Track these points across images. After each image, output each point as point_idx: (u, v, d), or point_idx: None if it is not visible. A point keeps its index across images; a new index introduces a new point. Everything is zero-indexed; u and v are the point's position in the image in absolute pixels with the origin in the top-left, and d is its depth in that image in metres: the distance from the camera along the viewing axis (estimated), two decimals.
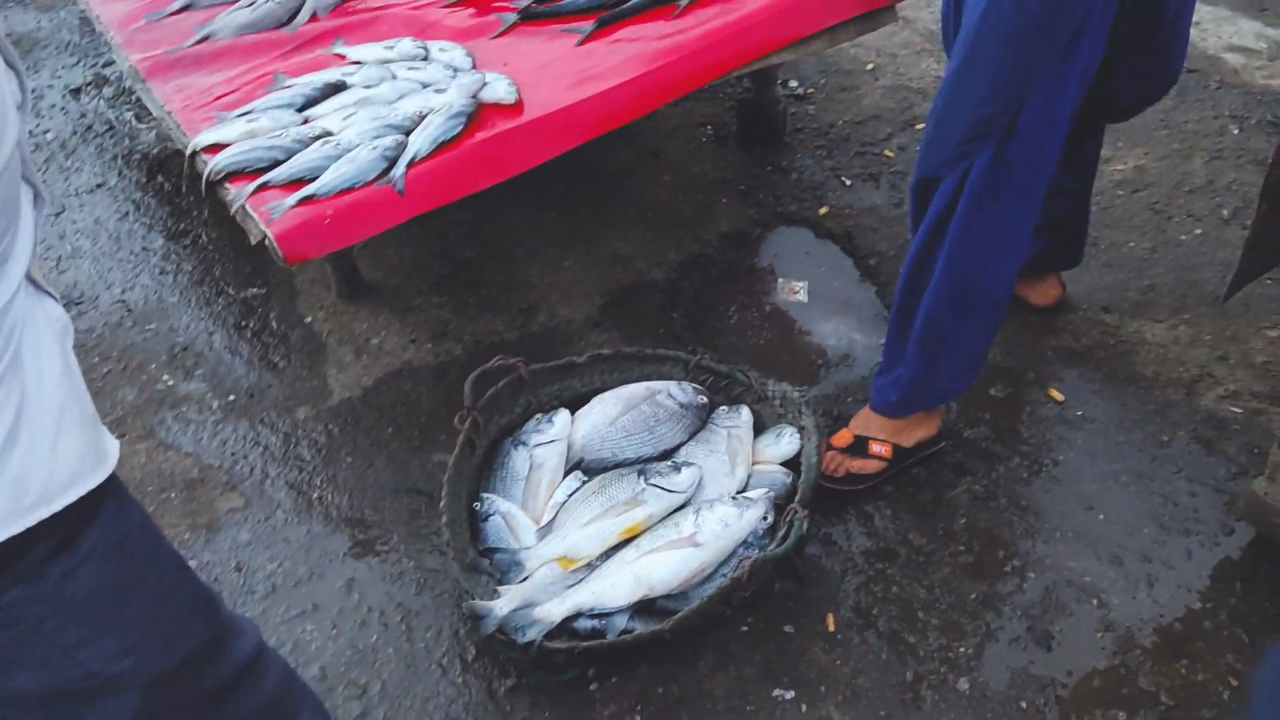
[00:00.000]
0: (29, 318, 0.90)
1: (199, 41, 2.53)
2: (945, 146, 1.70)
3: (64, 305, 0.97)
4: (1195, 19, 3.09)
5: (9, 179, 0.84)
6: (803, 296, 2.46)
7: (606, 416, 2.01)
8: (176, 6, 2.64)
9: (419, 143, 2.11)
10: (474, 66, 2.34)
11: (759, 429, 2.03)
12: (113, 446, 0.97)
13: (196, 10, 2.64)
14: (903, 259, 1.87)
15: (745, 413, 2.02)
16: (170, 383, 2.33)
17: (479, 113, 2.19)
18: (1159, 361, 2.21)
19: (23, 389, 0.87)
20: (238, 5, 2.60)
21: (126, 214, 2.75)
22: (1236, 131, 2.79)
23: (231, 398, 2.29)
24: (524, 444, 1.97)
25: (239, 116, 2.26)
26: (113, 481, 0.95)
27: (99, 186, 2.83)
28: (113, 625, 0.94)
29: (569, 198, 2.74)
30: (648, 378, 2.10)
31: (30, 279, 0.93)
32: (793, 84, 3.10)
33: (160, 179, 2.84)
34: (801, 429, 1.96)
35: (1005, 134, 1.64)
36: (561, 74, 2.29)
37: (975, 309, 1.83)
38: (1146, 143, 2.78)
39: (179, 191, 2.78)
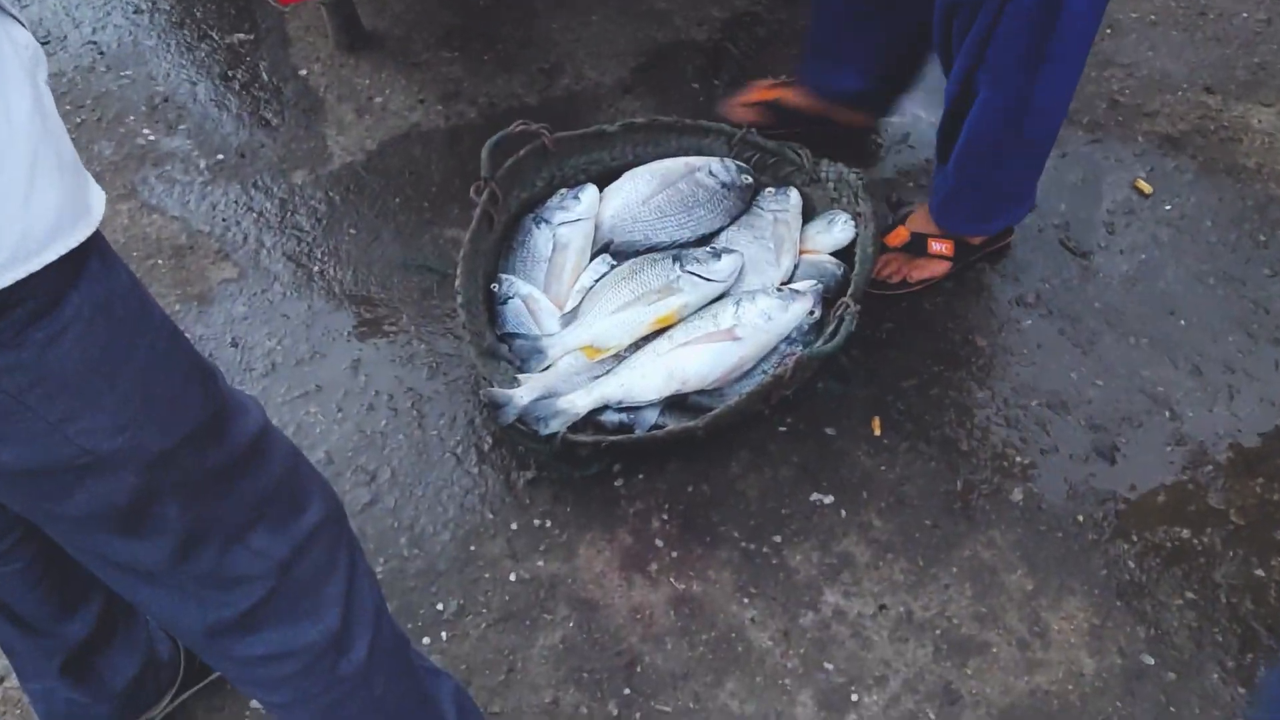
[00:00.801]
0: None
1: None
2: None
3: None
4: None
5: None
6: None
7: (639, 194, 1.94)
8: None
9: None
10: None
11: (809, 214, 1.96)
12: (98, 198, 0.92)
13: None
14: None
15: (794, 195, 1.95)
16: (151, 137, 2.25)
17: None
18: (1263, 151, 2.11)
19: None
20: None
21: None
22: None
23: (220, 157, 2.22)
24: (547, 221, 1.91)
25: None
26: (97, 238, 0.90)
27: None
28: (103, 398, 0.92)
29: None
30: (686, 152, 2.02)
31: None
32: None
33: None
34: (857, 215, 1.88)
35: None
36: None
37: (1029, 144, 1.75)
38: None
39: None
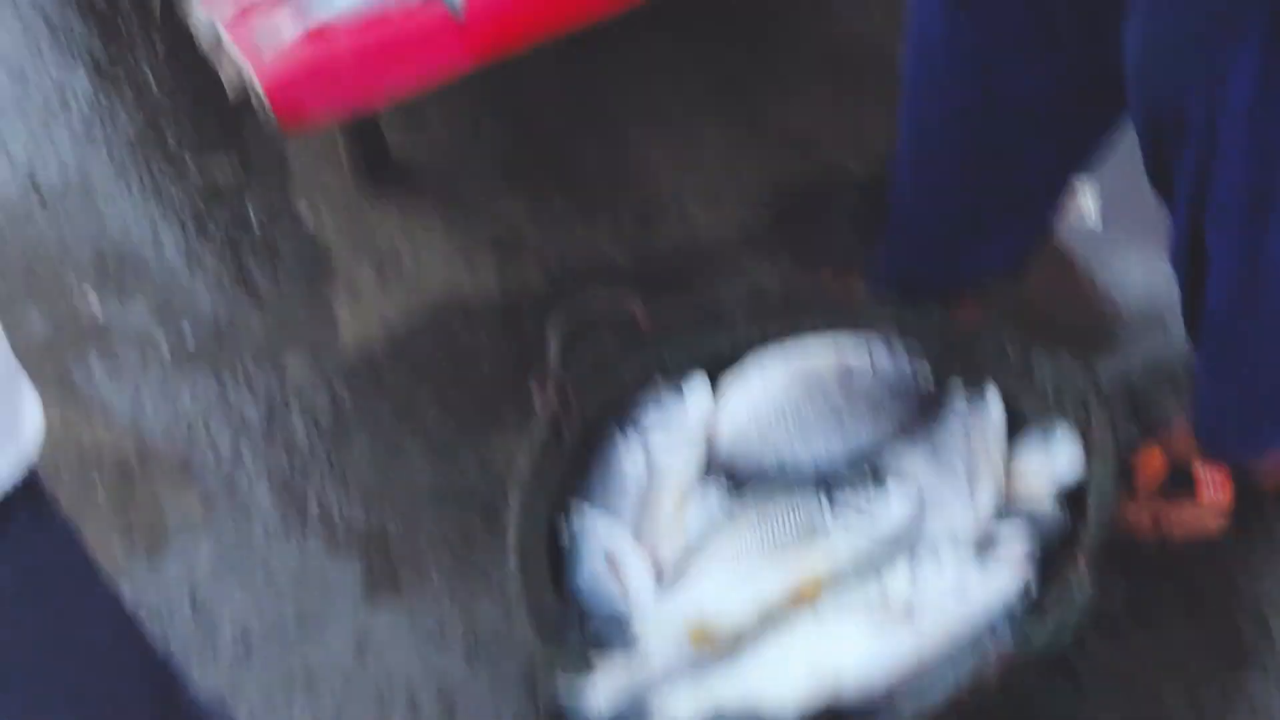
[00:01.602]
0: None
1: None
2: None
3: None
4: None
5: None
6: (1090, 211, 2.35)
7: (769, 395, 1.95)
8: None
9: None
10: None
11: (1016, 426, 1.93)
12: (33, 417, 0.94)
13: None
14: None
15: (994, 401, 1.92)
16: (98, 308, 2.35)
17: None
18: None
19: None
20: None
21: (29, 30, 2.79)
22: None
23: (188, 334, 2.30)
24: (637, 427, 1.93)
25: None
26: (32, 479, 0.92)
27: None
28: (16, 700, 0.92)
29: (718, 37, 2.68)
30: (837, 335, 2.02)
31: None
32: None
33: None
34: (1088, 432, 1.85)
35: None
36: None
37: None
38: None
39: (115, 6, 2.79)
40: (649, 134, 2.54)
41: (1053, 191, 2.03)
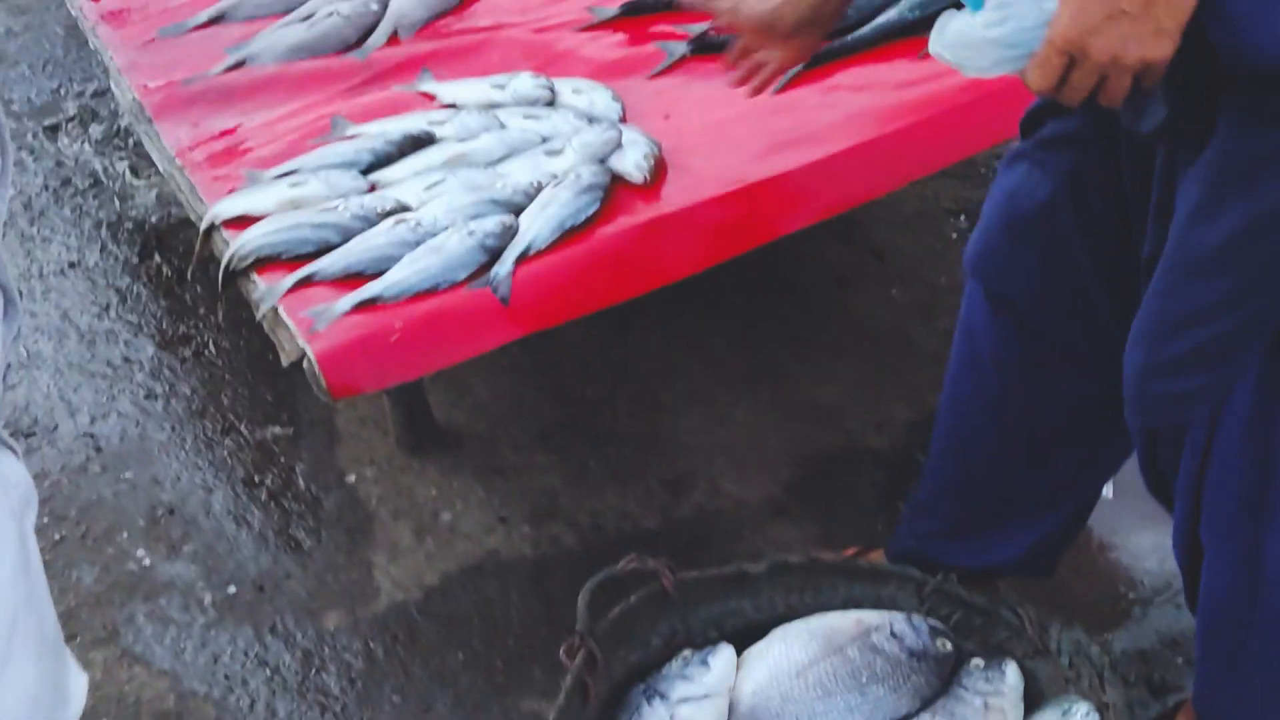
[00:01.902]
0: None
1: (231, 68, 2.65)
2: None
3: (11, 434, 0.99)
4: None
5: None
6: (1105, 489, 2.37)
7: (792, 662, 1.95)
8: (203, 19, 2.78)
9: (536, 228, 2.14)
10: (624, 118, 2.39)
11: (1034, 700, 1.93)
12: (79, 685, 0.97)
13: (230, 24, 2.78)
14: None
15: (1013, 672, 1.93)
16: (147, 561, 2.38)
17: (618, 189, 2.22)
18: None
19: None
20: (288, 19, 2.73)
21: (106, 307, 2.87)
22: None
23: (232, 590, 2.32)
24: (662, 696, 1.93)
25: (278, 178, 2.34)
26: None
27: (72, 266, 2.96)
28: None
29: (747, 315, 2.75)
30: (859, 604, 2.04)
31: None
32: None
33: (157, 259, 2.97)
34: (1104, 708, 1.86)
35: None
36: (749, 135, 2.31)
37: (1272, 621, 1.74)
38: None
39: (182, 278, 2.88)
40: (680, 404, 2.59)
41: (1082, 491, 2.06)
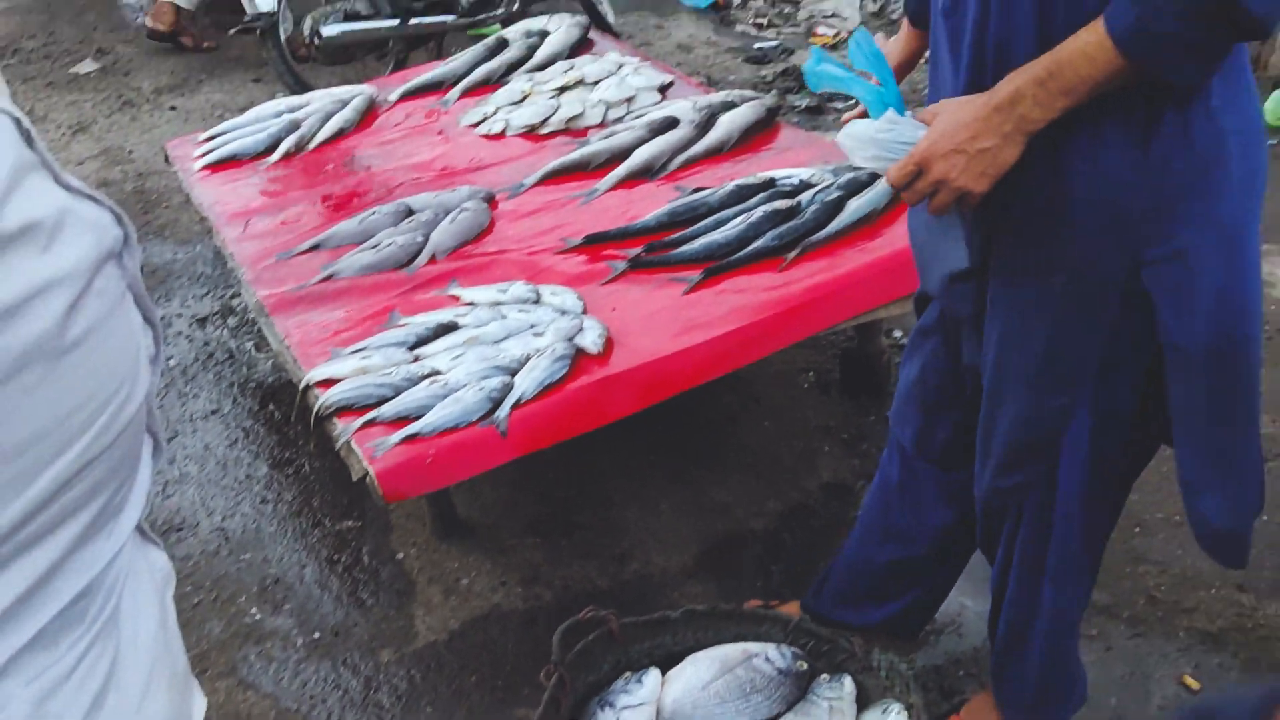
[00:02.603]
0: (132, 569, 0.90)
1: (323, 280, 2.67)
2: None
3: (165, 531, 0.98)
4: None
5: (133, 432, 0.85)
6: None
7: (699, 679, 1.92)
8: (306, 247, 2.80)
9: (524, 385, 2.15)
10: (585, 311, 2.42)
11: (864, 702, 1.91)
12: (199, 707, 0.95)
13: (324, 250, 2.80)
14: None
15: (848, 684, 1.91)
16: (258, 616, 2.33)
17: (580, 359, 2.24)
18: None
19: (116, 649, 0.86)
20: (363, 246, 2.76)
21: (236, 441, 2.84)
22: None
23: (317, 635, 2.28)
24: (611, 705, 1.89)
25: (353, 353, 2.34)
26: None
27: (213, 413, 2.94)
28: None
29: (670, 440, 2.75)
30: (744, 638, 2.02)
31: (139, 528, 0.94)
32: (896, 334, 3.13)
33: (271, 407, 2.95)
34: (910, 706, 1.84)
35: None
36: (667, 322, 2.34)
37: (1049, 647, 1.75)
38: (1273, 407, 2.69)
39: (288, 421, 2.87)
40: (625, 501, 2.58)
41: (942, 579, 2.01)
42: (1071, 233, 1.36)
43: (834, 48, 5.21)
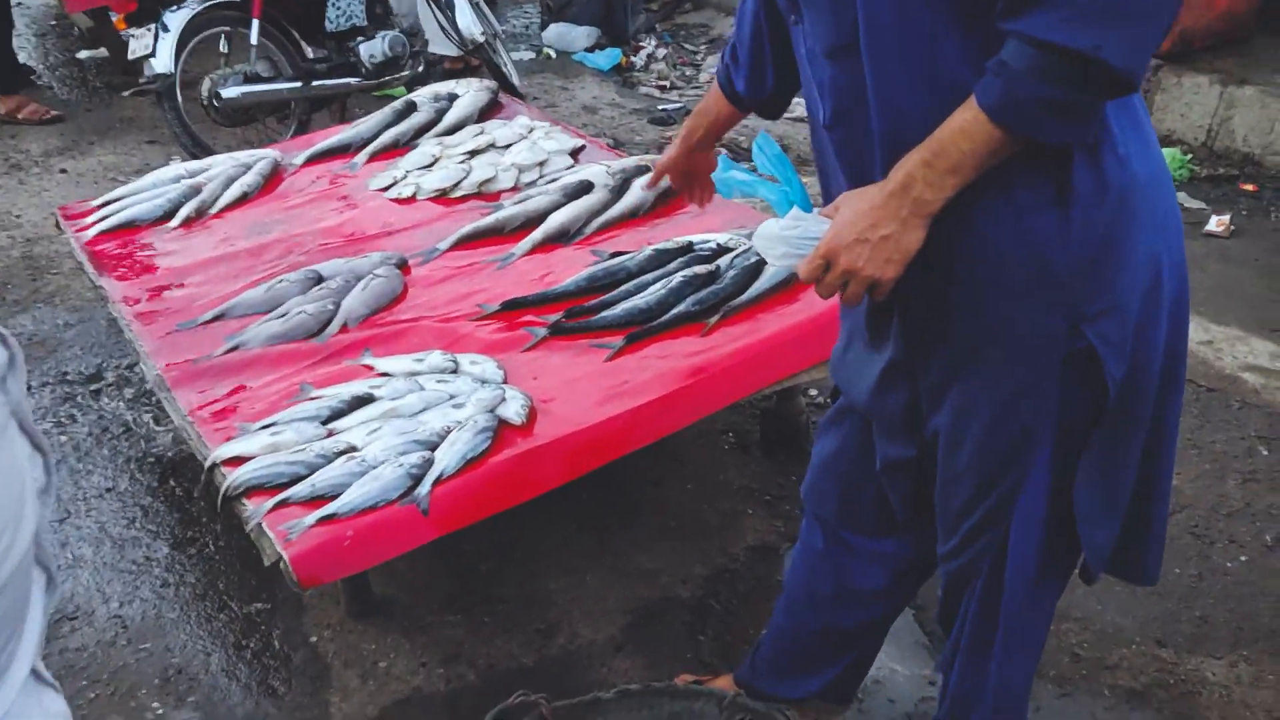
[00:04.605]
0: (24, 717, 0.80)
1: (228, 351, 2.53)
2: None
3: (57, 621, 0.86)
4: (1208, 338, 3.15)
5: (18, 582, 0.75)
6: None
7: None
8: (209, 316, 2.66)
9: (446, 459, 2.05)
10: (506, 380, 2.33)
11: None
12: None
13: (229, 319, 2.66)
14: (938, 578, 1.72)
15: None
16: (160, 711, 2.14)
17: (502, 430, 2.15)
18: (1222, 704, 2.06)
19: None
20: (270, 316, 2.63)
21: (133, 519, 2.65)
22: (1266, 453, 2.75)
23: None
24: None
25: (262, 429, 2.21)
26: None
27: (108, 491, 2.74)
28: None
29: (593, 507, 2.66)
30: (680, 717, 1.94)
31: (33, 671, 0.83)
32: (813, 392, 3.11)
33: (172, 483, 2.77)
34: None
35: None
36: (590, 390, 2.27)
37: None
38: (1179, 463, 2.74)
39: (190, 497, 2.70)
40: (548, 572, 2.48)
41: (869, 648, 1.95)
42: (1007, 301, 1.34)
43: None
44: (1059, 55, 1.13)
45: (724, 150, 4.72)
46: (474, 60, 5.13)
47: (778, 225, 1.38)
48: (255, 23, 4.25)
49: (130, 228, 3.13)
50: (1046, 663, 2.18)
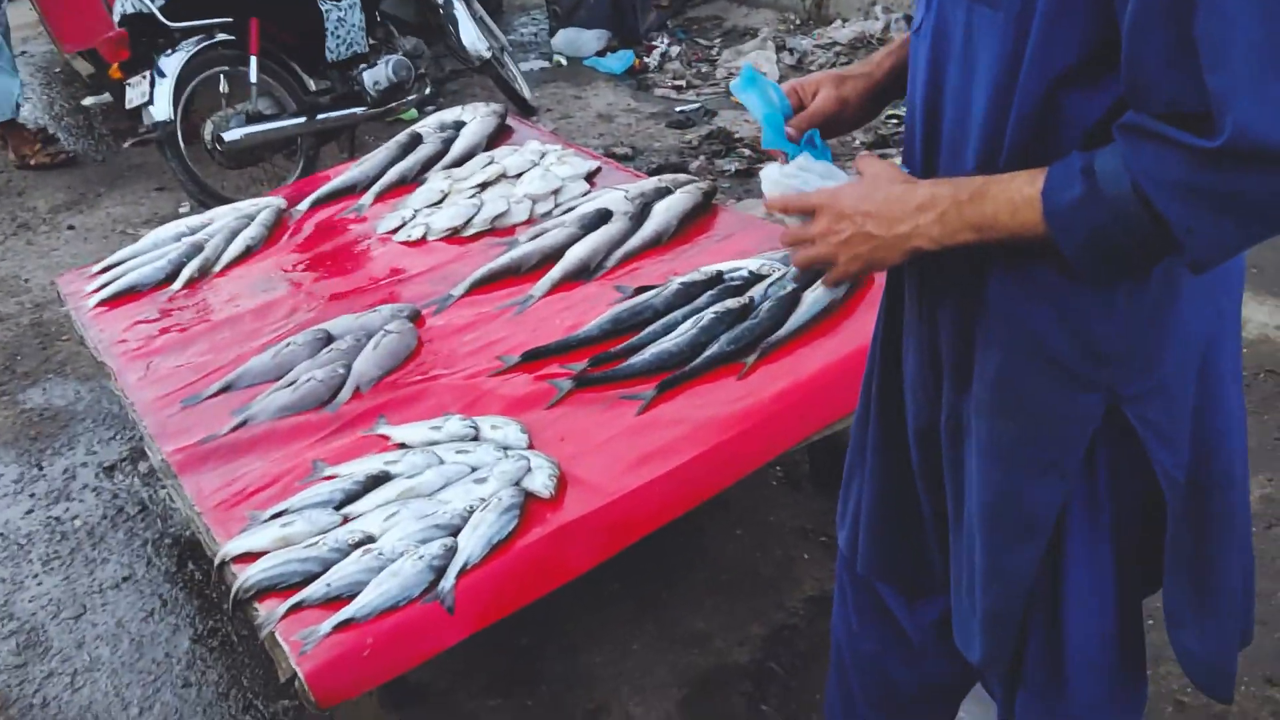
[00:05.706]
0: None
1: (236, 427, 2.35)
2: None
3: None
4: None
5: None
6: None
7: None
8: (215, 389, 2.49)
9: (470, 546, 1.87)
10: (531, 444, 2.13)
11: None
12: None
13: (236, 391, 2.48)
14: None
15: None
16: None
17: (530, 504, 1.96)
18: None
19: None
20: (278, 384, 2.45)
21: (152, 612, 2.49)
22: None
23: None
24: None
25: (272, 518, 2.04)
26: None
27: (125, 580, 2.59)
28: None
29: (632, 564, 2.41)
30: None
31: None
32: None
33: (190, 566, 2.61)
34: None
35: None
36: (622, 451, 2.07)
37: None
38: (1269, 465, 2.49)
39: (209, 582, 2.53)
40: (591, 644, 2.29)
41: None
42: (1043, 375, 1.22)
43: None
44: (1147, 209, 1.01)
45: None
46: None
47: (779, 171, 1.30)
48: (253, 60, 4.09)
49: (132, 293, 2.96)
50: (1149, 713, 1.95)
